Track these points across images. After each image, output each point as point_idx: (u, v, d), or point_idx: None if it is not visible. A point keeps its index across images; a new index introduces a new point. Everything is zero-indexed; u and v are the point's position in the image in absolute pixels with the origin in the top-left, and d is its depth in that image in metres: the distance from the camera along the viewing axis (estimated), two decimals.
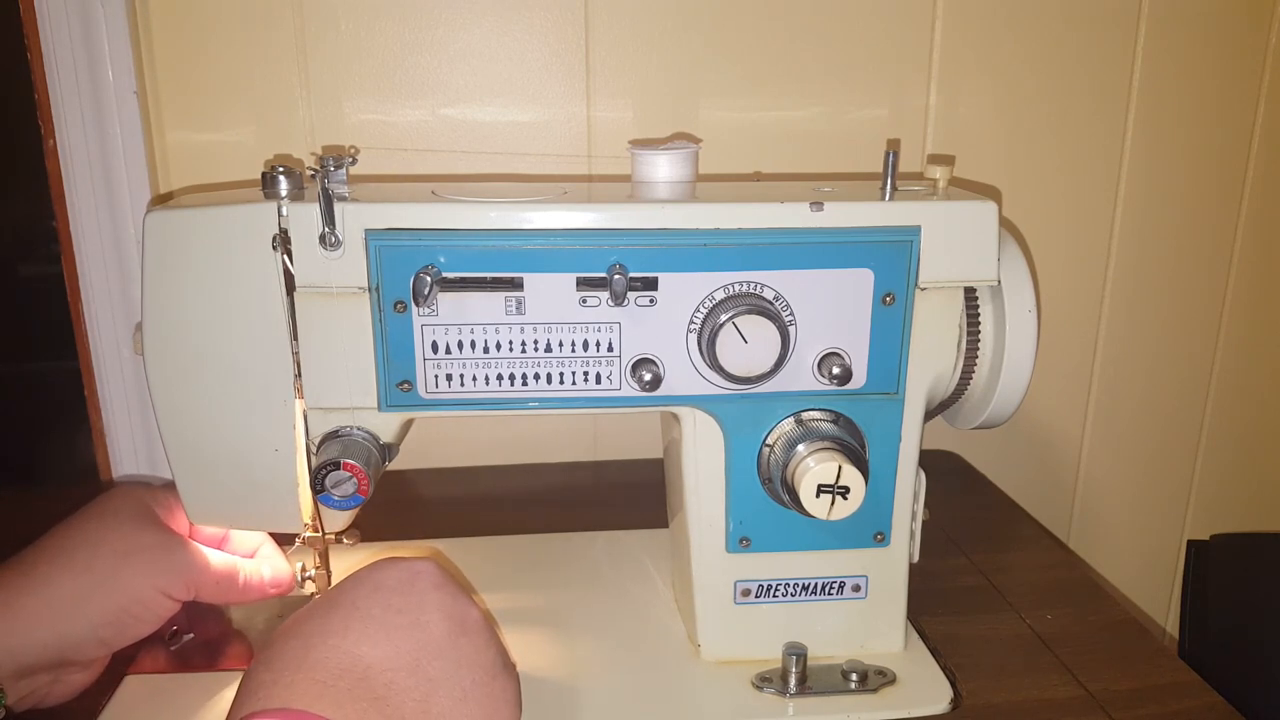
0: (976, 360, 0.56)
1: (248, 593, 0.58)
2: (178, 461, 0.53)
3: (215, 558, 0.56)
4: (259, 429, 0.53)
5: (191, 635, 0.59)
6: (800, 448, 0.53)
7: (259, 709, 0.38)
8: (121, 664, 0.56)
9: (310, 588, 0.60)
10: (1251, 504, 1.03)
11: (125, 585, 0.52)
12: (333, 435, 0.53)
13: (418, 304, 0.50)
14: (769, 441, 0.54)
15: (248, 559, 0.59)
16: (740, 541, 0.56)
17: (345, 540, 0.58)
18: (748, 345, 0.51)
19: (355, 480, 0.51)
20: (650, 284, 0.51)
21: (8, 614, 0.49)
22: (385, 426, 0.54)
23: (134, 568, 0.52)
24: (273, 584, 0.59)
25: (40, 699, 0.52)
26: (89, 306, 0.78)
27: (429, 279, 0.49)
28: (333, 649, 0.41)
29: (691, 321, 0.52)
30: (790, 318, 0.52)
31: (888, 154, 0.54)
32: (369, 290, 0.50)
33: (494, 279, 0.50)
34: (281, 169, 0.50)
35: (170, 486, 0.57)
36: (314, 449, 0.53)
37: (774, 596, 0.58)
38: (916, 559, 0.59)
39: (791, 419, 0.54)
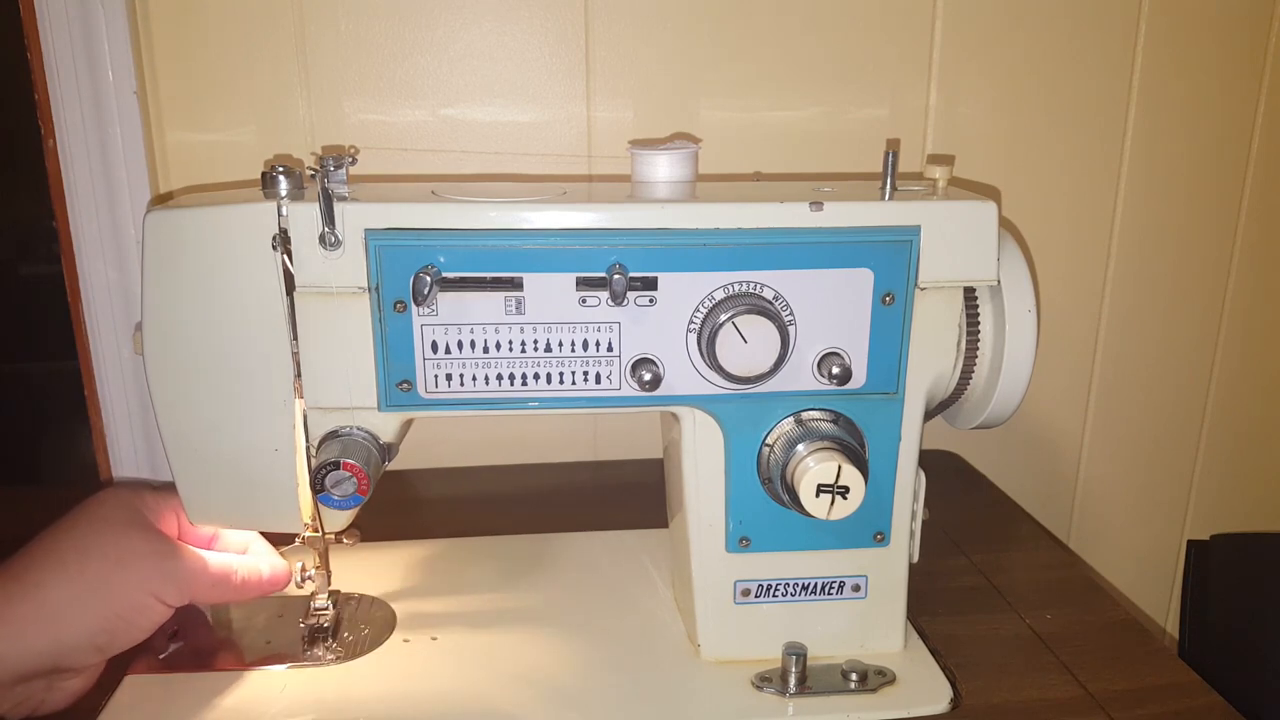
0: (976, 360, 0.56)
1: (244, 591, 0.57)
2: (177, 461, 0.53)
3: (209, 559, 0.56)
4: (259, 429, 0.53)
5: (182, 643, 0.59)
6: (800, 447, 0.53)
7: None
8: (121, 665, 0.56)
9: (310, 587, 0.60)
10: (1251, 504, 1.03)
11: (119, 592, 0.52)
12: (332, 435, 0.53)
13: (418, 304, 0.50)
14: (769, 441, 0.54)
15: (242, 557, 0.59)
16: (740, 541, 0.56)
17: (345, 540, 0.58)
18: (747, 345, 0.51)
19: (355, 480, 0.51)
20: (650, 284, 0.51)
21: (1, 623, 0.49)
22: (385, 426, 0.54)
23: (127, 574, 0.52)
24: (270, 581, 0.59)
25: (35, 706, 0.52)
26: (89, 306, 0.78)
27: (429, 279, 0.49)
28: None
29: (691, 321, 0.52)
30: (790, 318, 0.52)
31: (888, 154, 0.54)
32: (369, 290, 0.50)
33: (494, 279, 0.50)
34: (281, 169, 0.50)
35: (158, 488, 0.57)
36: (314, 449, 0.53)
37: (774, 596, 0.58)
38: (916, 559, 0.59)
39: (791, 419, 0.54)
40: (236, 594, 0.57)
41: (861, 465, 0.52)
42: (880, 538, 0.57)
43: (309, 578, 0.60)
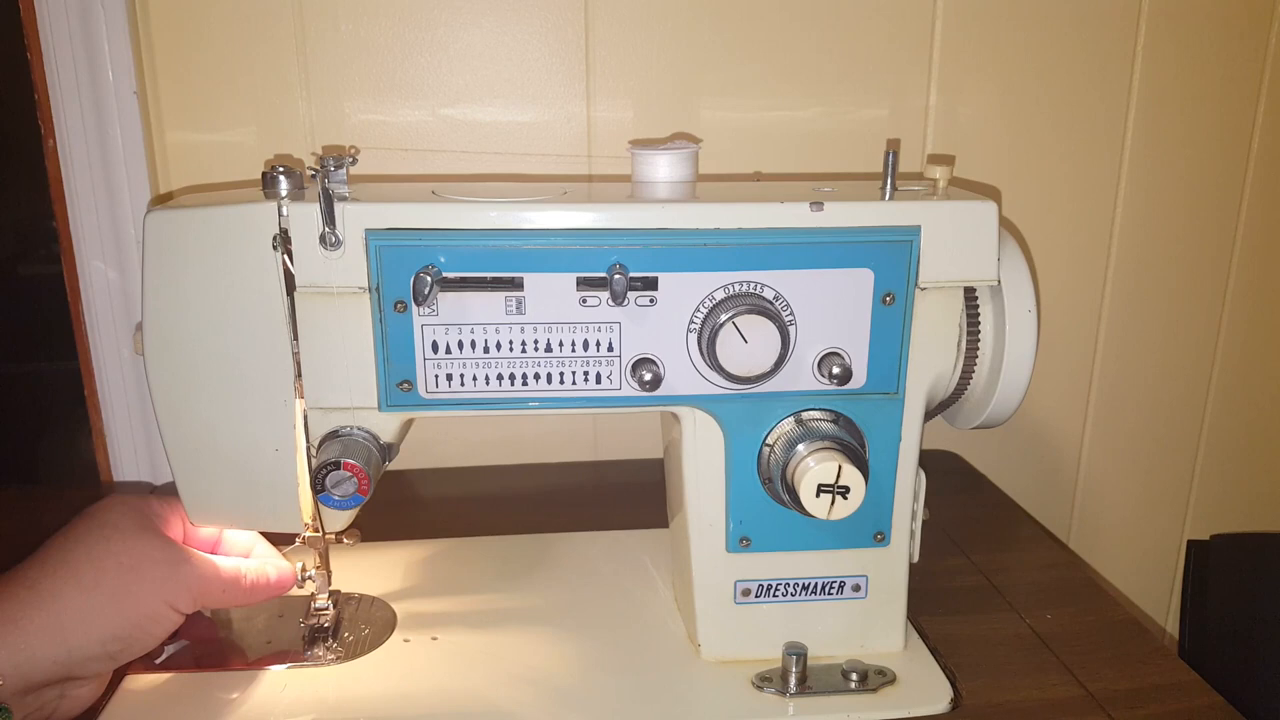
0: (976, 360, 0.56)
1: (253, 595, 0.57)
2: (178, 461, 0.53)
3: (219, 565, 0.56)
4: (259, 429, 0.53)
5: (182, 643, 0.59)
6: (800, 447, 0.53)
7: None
8: (122, 665, 0.56)
9: (310, 587, 0.60)
10: (1251, 504, 1.03)
11: (134, 600, 0.51)
12: (333, 435, 0.53)
13: (418, 304, 0.50)
14: (769, 441, 0.54)
15: (249, 561, 0.59)
16: (740, 541, 0.56)
17: (345, 540, 0.58)
18: (748, 345, 0.51)
19: (355, 480, 0.51)
20: (650, 284, 0.51)
21: (15, 631, 0.48)
22: (385, 426, 0.54)
23: (141, 582, 0.52)
24: (277, 584, 0.59)
25: (47, 715, 0.52)
26: (89, 306, 0.78)
27: (429, 279, 0.49)
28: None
29: (691, 321, 0.52)
30: (790, 318, 0.52)
31: (888, 154, 0.54)
32: (369, 290, 0.50)
33: (494, 279, 0.50)
34: (281, 169, 0.50)
35: (161, 495, 0.56)
36: (314, 449, 0.53)
37: (774, 596, 0.58)
38: (916, 559, 0.59)
39: (791, 419, 0.54)
40: (246, 598, 0.57)
41: (862, 465, 0.52)
42: (880, 538, 0.57)
43: (309, 578, 0.60)
